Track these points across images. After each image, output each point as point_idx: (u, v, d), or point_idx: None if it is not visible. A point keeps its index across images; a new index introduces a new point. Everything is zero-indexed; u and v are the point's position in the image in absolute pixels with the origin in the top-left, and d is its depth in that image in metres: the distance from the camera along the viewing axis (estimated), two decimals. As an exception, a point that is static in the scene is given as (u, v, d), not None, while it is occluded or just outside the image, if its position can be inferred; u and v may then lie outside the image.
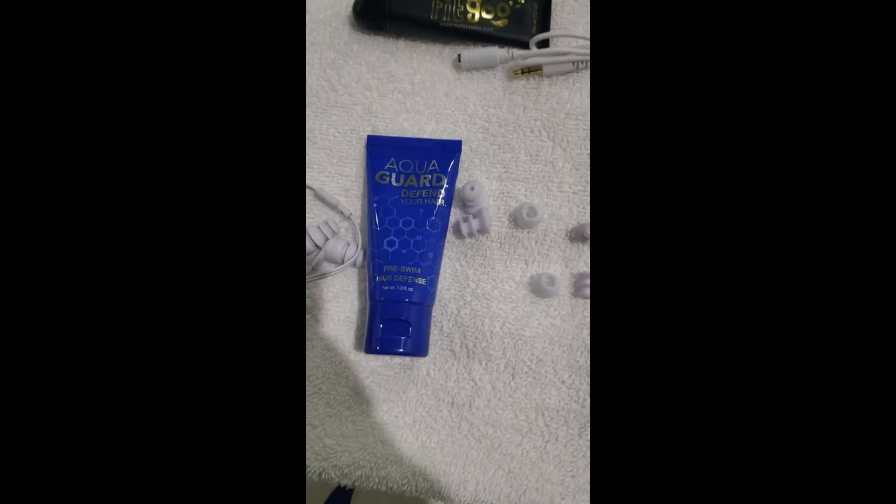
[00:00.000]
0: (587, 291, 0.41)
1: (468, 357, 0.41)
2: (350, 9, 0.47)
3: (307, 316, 0.42)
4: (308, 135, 0.45)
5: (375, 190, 0.43)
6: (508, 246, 0.43)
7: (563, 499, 0.39)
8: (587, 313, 0.42)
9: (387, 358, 0.41)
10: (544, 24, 0.46)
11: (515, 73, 0.45)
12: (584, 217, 0.43)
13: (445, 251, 0.42)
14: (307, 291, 0.42)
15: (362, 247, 0.42)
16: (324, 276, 0.42)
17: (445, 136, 0.45)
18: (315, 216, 0.44)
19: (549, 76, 0.45)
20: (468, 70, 0.46)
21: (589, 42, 0.43)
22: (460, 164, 0.44)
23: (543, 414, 0.40)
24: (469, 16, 0.45)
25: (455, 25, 0.45)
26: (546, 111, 0.44)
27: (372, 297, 0.40)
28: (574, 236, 0.43)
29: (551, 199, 0.43)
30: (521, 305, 0.42)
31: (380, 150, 0.44)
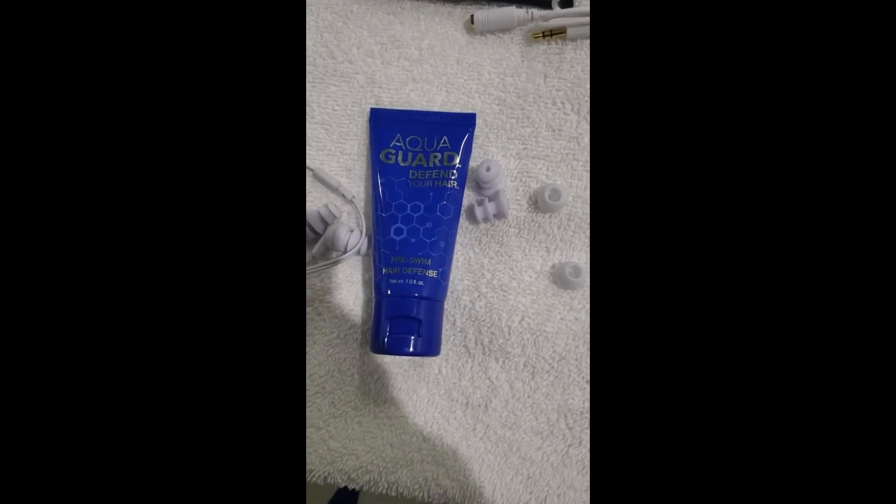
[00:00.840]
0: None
1: (483, 354, 0.40)
2: (349, -37, 0.45)
3: (308, 308, 0.41)
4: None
5: (380, 170, 0.41)
6: (528, 232, 0.42)
7: (587, 507, 0.39)
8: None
9: (395, 355, 0.41)
10: (568, -20, 0.44)
11: (535, 36, 0.43)
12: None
13: (458, 238, 0.41)
14: (307, 282, 0.41)
15: (367, 233, 0.41)
16: (326, 265, 0.41)
17: (457, 109, 0.44)
18: (314, 199, 0.43)
19: (574, 40, 0.43)
20: (482, 33, 0.44)
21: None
22: (474, 141, 0.43)
23: (566, 416, 0.39)
24: (483, -30, 0.43)
25: (467, -19, 0.43)
26: (570, 80, 0.43)
27: (378, 291, 0.39)
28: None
29: (576, 180, 0.42)
30: (542, 298, 0.41)
31: (384, 126, 0.43)
